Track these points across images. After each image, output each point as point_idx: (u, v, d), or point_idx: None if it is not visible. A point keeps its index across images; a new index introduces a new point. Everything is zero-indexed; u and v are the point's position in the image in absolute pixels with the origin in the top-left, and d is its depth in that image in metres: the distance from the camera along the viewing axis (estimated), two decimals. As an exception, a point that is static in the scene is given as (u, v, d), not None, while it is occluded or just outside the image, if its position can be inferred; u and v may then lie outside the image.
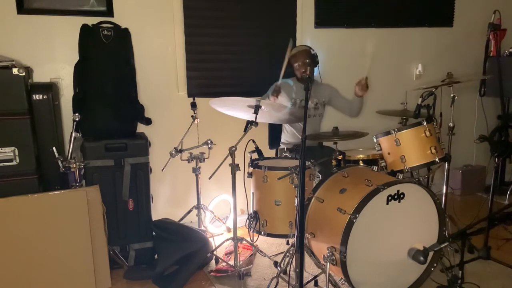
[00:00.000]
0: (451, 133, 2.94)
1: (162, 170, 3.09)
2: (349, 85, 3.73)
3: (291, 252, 2.46)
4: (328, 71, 3.60)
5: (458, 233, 2.23)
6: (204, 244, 2.81)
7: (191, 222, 3.29)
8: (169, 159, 3.04)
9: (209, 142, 3.07)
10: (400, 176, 2.49)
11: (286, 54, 2.83)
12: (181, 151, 3.06)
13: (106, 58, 2.87)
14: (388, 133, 2.68)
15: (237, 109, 2.69)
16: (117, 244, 2.81)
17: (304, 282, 2.46)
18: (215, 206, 3.46)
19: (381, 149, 2.77)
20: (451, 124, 2.92)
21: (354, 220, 2.12)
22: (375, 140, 2.78)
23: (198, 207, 3.23)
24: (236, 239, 2.68)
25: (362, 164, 2.80)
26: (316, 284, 2.55)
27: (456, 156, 3.53)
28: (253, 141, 2.79)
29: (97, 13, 2.97)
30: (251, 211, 2.74)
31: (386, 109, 3.36)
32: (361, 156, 2.91)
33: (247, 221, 2.71)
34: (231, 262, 2.73)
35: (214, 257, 2.89)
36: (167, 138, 3.20)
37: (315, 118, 3.30)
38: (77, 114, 2.58)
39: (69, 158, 2.55)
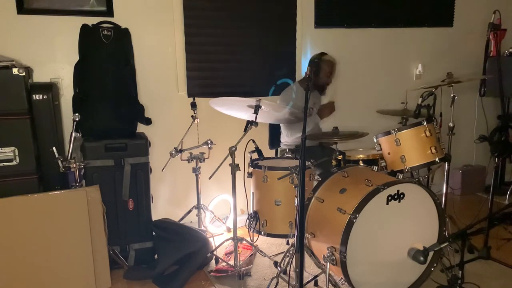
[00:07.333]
0: (451, 133, 2.93)
1: (162, 170, 3.09)
2: (348, 85, 3.75)
3: (291, 252, 2.47)
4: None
5: (458, 233, 2.23)
6: (204, 244, 2.81)
7: (191, 222, 3.29)
8: (169, 159, 3.04)
9: (209, 142, 3.07)
10: (400, 176, 2.49)
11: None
12: (181, 151, 3.06)
13: (106, 58, 2.86)
14: (388, 133, 2.68)
15: (237, 109, 2.69)
16: (117, 244, 2.81)
17: (304, 282, 2.46)
18: (215, 206, 3.46)
19: (381, 149, 2.77)
20: (451, 124, 2.92)
21: (354, 220, 2.12)
22: (375, 140, 2.78)
23: (198, 207, 3.23)
24: (236, 239, 2.68)
25: (362, 164, 2.80)
26: (316, 284, 2.56)
27: (456, 156, 3.53)
28: (253, 141, 2.79)
29: (97, 13, 2.97)
30: (251, 211, 2.74)
31: (386, 109, 3.35)
32: (361, 156, 2.91)
33: (247, 221, 2.71)
34: (231, 262, 2.73)
35: (214, 257, 2.89)
36: (167, 138, 3.20)
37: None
38: (77, 114, 2.57)
39: (69, 158, 2.55)
